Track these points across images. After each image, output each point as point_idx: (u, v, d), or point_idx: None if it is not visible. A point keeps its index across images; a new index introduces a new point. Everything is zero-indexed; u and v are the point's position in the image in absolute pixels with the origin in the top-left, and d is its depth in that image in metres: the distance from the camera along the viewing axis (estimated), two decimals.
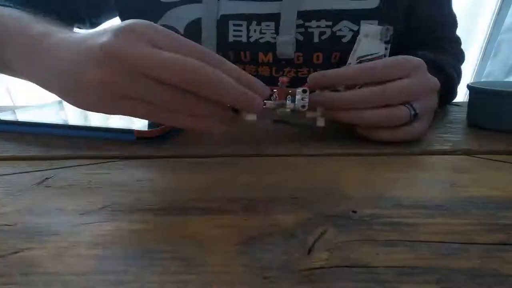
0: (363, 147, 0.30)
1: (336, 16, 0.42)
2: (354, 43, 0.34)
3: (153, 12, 0.45)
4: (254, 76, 0.29)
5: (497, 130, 0.35)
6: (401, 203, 0.20)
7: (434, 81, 0.32)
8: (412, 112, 0.29)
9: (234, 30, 0.43)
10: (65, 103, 0.36)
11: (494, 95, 0.35)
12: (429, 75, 0.32)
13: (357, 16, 0.42)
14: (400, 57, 0.30)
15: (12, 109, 0.44)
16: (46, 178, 0.25)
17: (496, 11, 1.24)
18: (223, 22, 0.42)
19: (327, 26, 0.42)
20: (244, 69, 0.35)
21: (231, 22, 0.42)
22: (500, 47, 1.31)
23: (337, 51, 0.43)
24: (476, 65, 1.34)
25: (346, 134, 0.34)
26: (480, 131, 0.35)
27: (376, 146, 0.31)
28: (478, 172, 0.25)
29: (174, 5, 0.44)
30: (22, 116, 0.39)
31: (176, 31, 0.45)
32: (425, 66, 0.31)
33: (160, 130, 0.33)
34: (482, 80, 1.32)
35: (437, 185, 0.23)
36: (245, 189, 0.23)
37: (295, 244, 0.17)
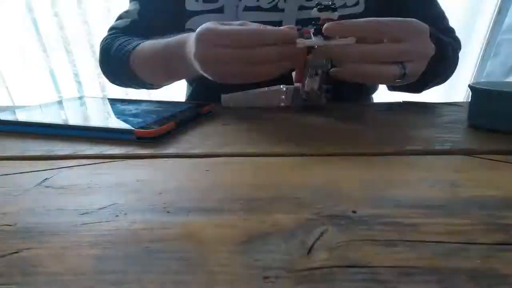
0: (363, 147, 0.30)
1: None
2: None
3: (179, 18, 0.55)
4: None
5: (498, 130, 0.35)
6: (401, 203, 0.20)
7: (431, 48, 0.37)
8: (403, 71, 0.36)
9: None
10: (65, 103, 0.37)
11: (496, 95, 0.35)
12: (429, 41, 0.37)
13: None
14: (410, 20, 0.36)
15: (12, 109, 0.44)
16: (46, 178, 0.25)
17: (496, 11, 1.24)
18: None
19: None
20: None
21: None
22: (500, 47, 1.31)
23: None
24: (476, 65, 1.34)
25: (346, 134, 0.34)
26: (480, 131, 0.35)
27: (376, 146, 0.31)
28: (478, 172, 0.25)
29: (198, 13, 0.53)
30: (22, 116, 0.39)
31: None
32: (428, 33, 0.37)
33: (160, 130, 0.33)
34: (482, 80, 1.32)
35: (437, 185, 0.23)
36: (245, 189, 0.23)
37: (295, 244, 0.17)
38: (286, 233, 0.18)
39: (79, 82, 1.41)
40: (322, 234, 0.17)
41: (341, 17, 0.43)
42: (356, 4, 0.49)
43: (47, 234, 0.18)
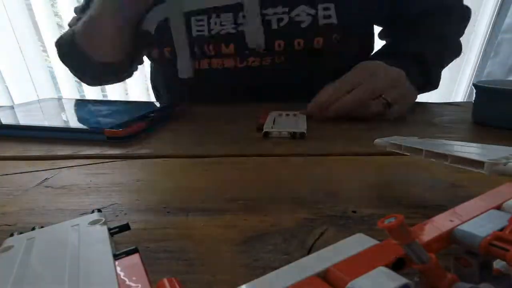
0: (363, 147, 0.30)
1: (292, 1, 0.42)
2: (314, 27, 0.40)
3: (139, 21, 0.49)
4: (221, 69, 0.44)
5: (503, 127, 0.35)
6: (401, 203, 0.20)
7: (396, 72, 0.39)
8: (384, 101, 0.38)
9: (197, 25, 0.45)
10: (40, 103, 0.38)
11: (500, 93, 0.35)
12: (391, 69, 0.39)
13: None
14: (359, 66, 0.39)
15: None
16: (46, 178, 0.25)
17: (496, 11, 1.24)
18: (187, 19, 0.45)
19: (283, 13, 0.42)
20: (210, 63, 0.45)
21: (193, 18, 0.45)
22: (500, 47, 1.31)
23: (299, 37, 0.44)
24: (476, 65, 1.34)
25: (346, 134, 0.34)
26: (481, 130, 0.35)
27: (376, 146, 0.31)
28: (478, 172, 0.25)
29: (148, 10, 0.48)
30: None
31: (149, 34, 0.48)
32: (382, 65, 0.39)
33: (129, 130, 0.33)
34: (482, 80, 1.31)
35: (437, 185, 0.23)
36: (245, 189, 0.23)
37: (295, 244, 0.17)
38: (286, 233, 0.18)
39: (79, 82, 1.41)
40: (322, 234, 0.17)
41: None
42: None
43: None
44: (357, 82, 0.38)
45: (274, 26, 0.43)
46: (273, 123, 0.36)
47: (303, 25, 0.43)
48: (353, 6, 0.43)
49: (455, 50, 0.53)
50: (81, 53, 0.50)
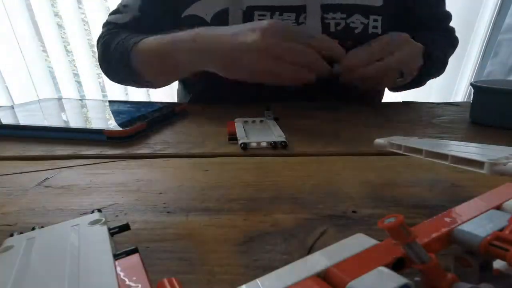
0: (363, 147, 0.30)
1: (349, 9, 0.48)
2: (364, 34, 0.47)
3: (180, 2, 0.51)
4: None
5: (500, 127, 0.35)
6: (401, 203, 0.20)
7: (419, 48, 0.44)
8: (400, 73, 0.44)
9: (259, 20, 0.47)
10: (41, 103, 0.38)
11: (497, 93, 0.35)
12: (414, 44, 0.44)
13: (366, 10, 0.48)
14: (386, 36, 0.43)
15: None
16: (46, 178, 0.25)
17: (496, 11, 1.24)
18: (249, 13, 0.47)
19: (341, 18, 0.48)
20: None
21: (256, 13, 0.47)
22: (500, 47, 1.31)
23: (350, 39, 0.48)
24: (476, 65, 1.34)
25: (346, 134, 0.34)
26: (480, 130, 0.35)
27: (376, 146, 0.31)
28: (478, 172, 0.25)
29: None
30: None
31: (204, 20, 0.50)
32: (408, 39, 0.43)
33: (129, 130, 0.33)
34: (481, 79, 1.31)
35: (437, 185, 0.23)
36: (245, 189, 0.23)
37: (295, 244, 0.17)
38: (286, 233, 0.18)
39: (79, 82, 1.41)
40: (322, 234, 0.17)
41: (361, 8, 0.48)
42: None
43: None
44: (387, 51, 0.42)
45: (332, 29, 0.48)
46: (245, 133, 0.33)
47: (356, 31, 0.49)
48: (393, 21, 0.52)
49: (444, 65, 0.58)
50: (132, 68, 0.51)
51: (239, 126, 0.35)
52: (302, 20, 0.47)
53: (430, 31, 0.56)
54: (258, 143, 0.31)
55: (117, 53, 0.52)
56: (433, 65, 0.52)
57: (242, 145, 0.30)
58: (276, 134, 0.33)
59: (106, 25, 0.58)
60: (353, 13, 0.48)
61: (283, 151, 0.30)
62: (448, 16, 0.59)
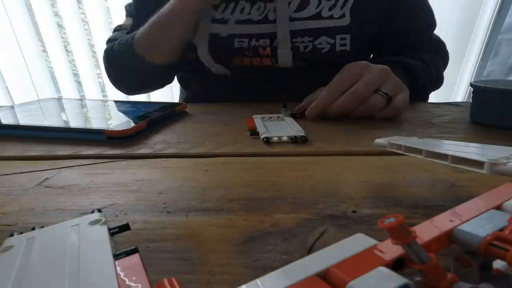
0: (363, 147, 0.30)
1: (315, 33, 0.52)
2: (332, 53, 0.51)
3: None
4: (258, 66, 0.55)
5: (500, 127, 0.35)
6: (401, 203, 0.20)
7: (381, 67, 0.41)
8: (385, 95, 0.39)
9: (238, 42, 0.54)
10: (41, 103, 0.38)
11: (497, 93, 0.35)
12: (376, 65, 0.41)
13: (333, 31, 0.52)
14: (347, 66, 0.41)
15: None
16: (46, 178, 0.25)
17: (496, 11, 1.24)
18: (230, 39, 0.54)
19: (309, 41, 0.53)
20: (251, 62, 0.56)
21: (236, 39, 0.54)
22: (500, 47, 1.31)
23: (318, 58, 0.54)
24: (476, 65, 1.34)
25: (346, 134, 0.34)
26: (480, 130, 0.35)
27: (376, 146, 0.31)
28: (478, 172, 0.25)
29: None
30: None
31: (192, 44, 0.55)
32: (366, 62, 0.41)
33: (129, 130, 0.33)
34: (481, 79, 1.31)
35: (437, 185, 0.23)
36: (245, 189, 0.23)
37: (295, 244, 0.17)
38: (286, 233, 0.18)
39: (79, 82, 1.41)
40: (322, 234, 0.17)
41: (327, 30, 0.52)
42: (342, 16, 0.52)
43: None
44: (349, 80, 0.40)
45: (302, 50, 0.53)
46: (266, 128, 0.35)
47: (323, 51, 0.54)
48: (363, 38, 0.55)
49: (441, 79, 0.60)
50: (136, 56, 0.55)
51: (258, 122, 0.37)
52: (275, 44, 0.53)
53: (411, 45, 0.58)
54: (280, 137, 0.33)
55: (120, 51, 0.57)
56: (427, 80, 0.53)
57: (265, 139, 0.32)
58: (296, 130, 0.35)
59: (108, 42, 0.63)
60: (320, 35, 0.53)
61: (283, 150, 0.30)
62: (430, 25, 0.59)
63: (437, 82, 0.59)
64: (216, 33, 0.54)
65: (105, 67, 0.62)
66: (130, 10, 0.63)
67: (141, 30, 0.54)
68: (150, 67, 0.55)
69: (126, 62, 0.58)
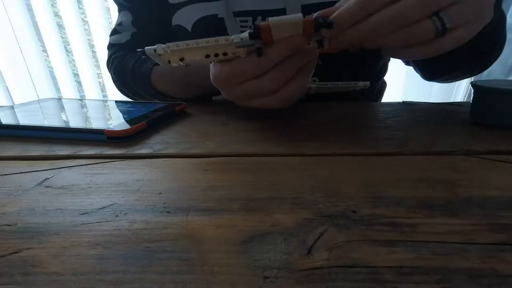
0: (363, 147, 0.30)
1: (331, 6, 0.43)
2: None
3: (165, 13, 0.52)
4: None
5: (500, 127, 0.35)
6: (401, 203, 0.20)
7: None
8: (439, 26, 0.26)
9: (241, 26, 0.47)
10: (41, 103, 0.38)
11: (497, 93, 0.35)
12: None
13: None
14: None
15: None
16: (46, 178, 0.25)
17: None
18: (232, 19, 0.47)
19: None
20: None
21: (237, 19, 0.47)
22: None
23: None
24: None
25: (346, 134, 0.34)
26: (480, 131, 0.35)
27: (376, 146, 0.31)
28: (478, 172, 0.25)
29: (181, 5, 0.50)
30: None
31: (185, 29, 0.51)
32: None
33: (130, 130, 0.33)
34: (483, 79, 1.31)
35: (437, 185, 0.23)
36: (245, 189, 0.23)
37: (295, 244, 0.17)
38: (286, 233, 0.18)
39: (79, 82, 1.41)
40: (322, 234, 0.17)
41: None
42: None
43: (47, 234, 0.18)
44: None
45: None
46: None
47: None
48: None
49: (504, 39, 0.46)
50: (153, 88, 0.53)
51: None
52: None
53: None
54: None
55: (134, 77, 0.54)
56: (500, 24, 0.37)
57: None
58: None
59: (110, 47, 0.60)
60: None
61: (283, 150, 0.30)
62: None
63: (503, 44, 0.43)
64: (203, 16, 0.48)
65: (112, 80, 0.60)
66: (123, 4, 0.58)
67: (159, 74, 0.51)
68: (168, 96, 0.54)
69: (140, 87, 0.55)
